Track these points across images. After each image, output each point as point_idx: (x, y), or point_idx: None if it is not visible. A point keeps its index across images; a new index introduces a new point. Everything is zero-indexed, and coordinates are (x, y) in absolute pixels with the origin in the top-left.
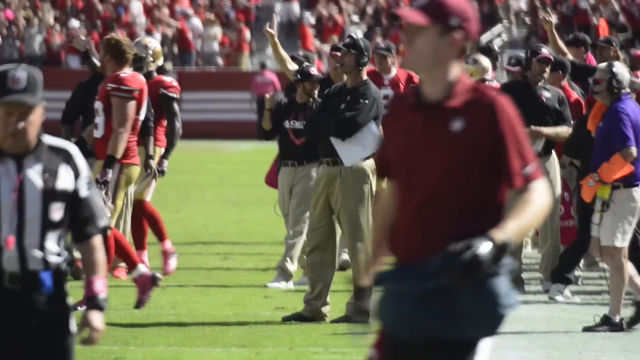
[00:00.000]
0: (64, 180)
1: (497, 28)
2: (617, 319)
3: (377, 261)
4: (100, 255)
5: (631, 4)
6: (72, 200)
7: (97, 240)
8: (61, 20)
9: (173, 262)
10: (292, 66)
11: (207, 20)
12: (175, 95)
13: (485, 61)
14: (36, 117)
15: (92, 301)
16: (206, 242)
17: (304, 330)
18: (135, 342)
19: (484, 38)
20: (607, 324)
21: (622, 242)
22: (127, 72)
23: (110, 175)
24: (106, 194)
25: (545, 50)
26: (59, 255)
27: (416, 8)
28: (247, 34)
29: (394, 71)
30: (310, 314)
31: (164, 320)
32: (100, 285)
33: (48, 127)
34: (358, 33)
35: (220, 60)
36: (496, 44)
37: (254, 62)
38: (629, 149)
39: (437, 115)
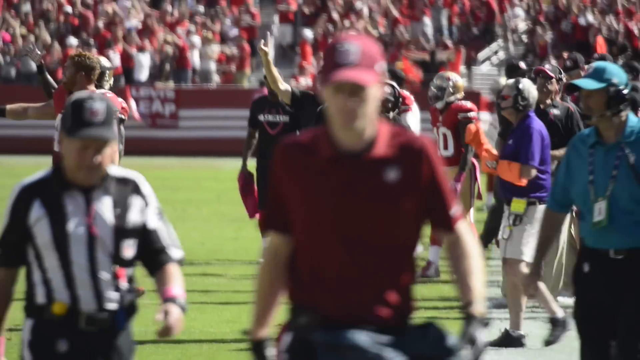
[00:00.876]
0: (135, 214)
1: (494, 45)
2: (515, 334)
3: (268, 317)
4: (178, 275)
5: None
6: (143, 233)
7: (174, 267)
8: (58, 38)
9: None
10: (284, 86)
11: (205, 38)
12: (122, 117)
13: (460, 80)
14: (111, 150)
15: (171, 300)
16: (203, 259)
17: None
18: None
19: (481, 55)
20: (508, 338)
21: (529, 257)
22: (106, 92)
23: None
24: None
25: (548, 66)
26: (129, 292)
27: (355, 66)
28: (249, 51)
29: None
30: None
31: (161, 338)
32: (179, 290)
33: (43, 144)
34: None
35: (217, 78)
36: (493, 62)
37: (251, 80)
38: (530, 169)
39: (366, 166)
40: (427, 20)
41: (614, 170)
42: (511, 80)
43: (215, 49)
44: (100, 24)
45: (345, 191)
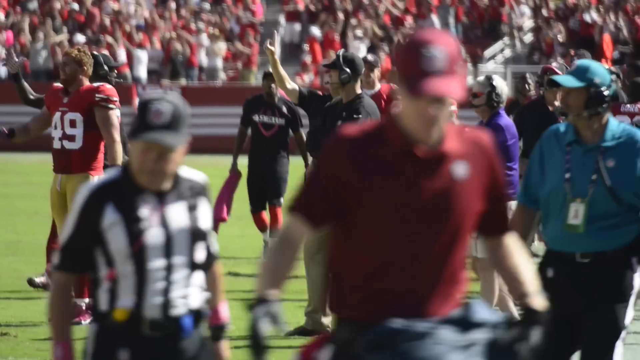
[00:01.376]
0: (205, 216)
1: (500, 44)
2: None
3: (278, 281)
4: (221, 281)
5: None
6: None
7: (217, 267)
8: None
9: None
10: (291, 85)
11: (212, 35)
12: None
13: None
14: (178, 156)
15: (219, 331)
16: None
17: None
18: None
19: (487, 53)
20: None
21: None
22: (105, 84)
23: None
24: None
25: (555, 64)
26: (199, 296)
27: (442, 74)
28: (257, 49)
29: (377, 86)
30: (313, 327)
31: None
32: (225, 311)
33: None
34: (361, 48)
35: (223, 75)
36: (498, 60)
37: (257, 77)
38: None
39: (438, 159)
40: (435, 18)
41: (593, 175)
42: (482, 78)
43: (222, 46)
44: (107, 21)
45: (417, 182)
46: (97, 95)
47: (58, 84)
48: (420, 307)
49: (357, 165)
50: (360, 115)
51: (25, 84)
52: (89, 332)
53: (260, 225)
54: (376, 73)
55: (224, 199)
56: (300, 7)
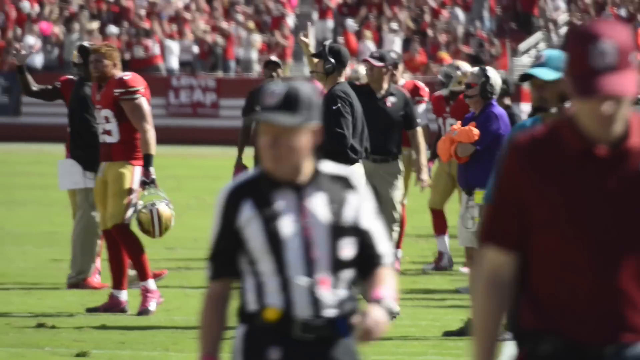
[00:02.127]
0: (350, 211)
1: (535, 37)
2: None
3: (494, 351)
4: (389, 278)
5: None
6: (357, 232)
7: (386, 270)
8: (99, 27)
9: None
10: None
11: (247, 27)
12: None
13: (469, 70)
14: (297, 141)
15: (374, 301)
16: None
17: None
18: (175, 348)
19: (522, 47)
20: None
21: None
22: (127, 74)
23: (153, 172)
24: (157, 189)
25: None
26: (351, 297)
27: (614, 70)
28: (292, 40)
29: (401, 81)
30: None
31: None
32: (387, 291)
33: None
34: (396, 41)
35: (258, 67)
36: (532, 54)
37: (292, 69)
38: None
39: (623, 159)
40: (459, 12)
41: None
42: (476, 69)
43: (257, 38)
44: (142, 11)
45: (601, 187)
46: (116, 90)
47: (71, 76)
48: (610, 326)
49: (537, 174)
50: (338, 105)
51: (29, 76)
52: (237, 333)
53: None
54: (400, 69)
55: None
56: (332, 4)
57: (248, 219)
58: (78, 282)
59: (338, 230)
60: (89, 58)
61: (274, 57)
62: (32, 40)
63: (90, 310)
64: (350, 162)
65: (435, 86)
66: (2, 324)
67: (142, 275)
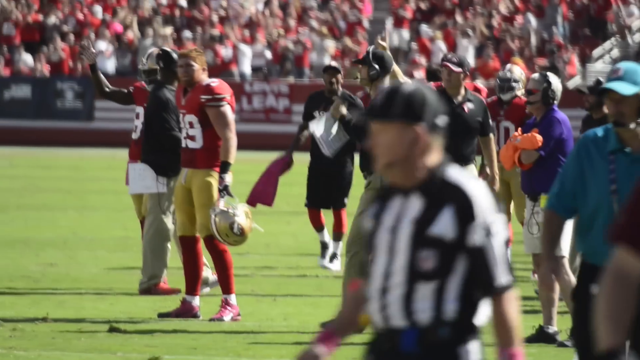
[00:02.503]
0: (443, 223)
1: (608, 43)
2: (551, 330)
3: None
4: (511, 317)
5: None
6: (456, 249)
7: (505, 299)
8: (175, 32)
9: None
10: (404, 79)
11: (320, 33)
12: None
13: (524, 75)
14: (389, 139)
15: None
16: (317, 254)
17: None
18: (247, 354)
19: (596, 53)
20: (542, 335)
21: (566, 251)
22: (214, 80)
23: (228, 179)
24: (231, 196)
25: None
26: (437, 313)
27: None
28: (365, 46)
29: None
30: None
31: (276, 332)
32: (518, 349)
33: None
34: (469, 48)
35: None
36: (606, 60)
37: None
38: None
39: None
40: (531, 18)
41: None
42: (537, 75)
43: (330, 44)
44: (215, 17)
45: None
46: (202, 96)
47: (141, 83)
48: None
49: None
50: None
51: (102, 76)
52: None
53: (316, 223)
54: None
55: (272, 182)
56: (408, 14)
57: (370, 222)
58: (150, 287)
59: (419, 239)
60: (178, 62)
61: (333, 63)
62: (103, 45)
63: (162, 315)
64: None
65: (496, 90)
66: (74, 329)
67: (226, 289)
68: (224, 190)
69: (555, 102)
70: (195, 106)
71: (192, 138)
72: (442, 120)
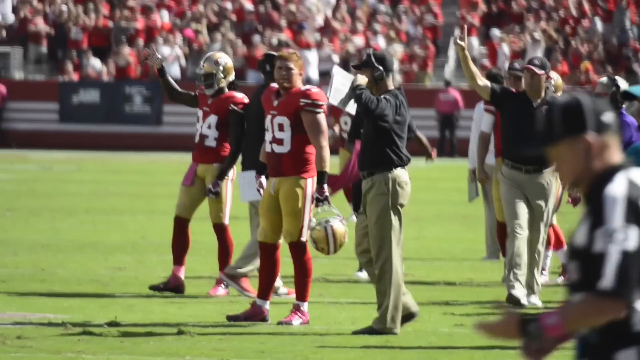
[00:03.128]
0: (581, 233)
1: None
2: None
3: None
4: (579, 303)
5: None
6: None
7: (592, 296)
8: (242, 36)
9: (221, 291)
10: (482, 82)
11: (389, 37)
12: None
13: (560, 80)
14: (564, 159)
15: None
16: None
17: (484, 345)
18: (315, 357)
19: None
20: None
21: None
22: (313, 87)
23: (327, 190)
24: (330, 206)
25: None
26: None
27: None
28: (433, 51)
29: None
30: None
31: (343, 336)
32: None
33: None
34: (537, 51)
35: (399, 77)
36: None
37: (433, 79)
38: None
39: None
40: (598, 21)
41: None
42: (605, 79)
43: (398, 48)
44: (283, 22)
45: None
46: (302, 100)
47: (201, 87)
48: None
49: None
50: (387, 96)
51: (171, 79)
52: (627, 356)
53: None
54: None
55: (349, 178)
56: (475, 21)
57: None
58: (234, 275)
59: (572, 252)
60: (277, 64)
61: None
62: (167, 50)
63: (230, 318)
64: (397, 166)
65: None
66: (143, 333)
67: (302, 296)
68: (325, 200)
69: (624, 105)
70: (290, 109)
71: (279, 142)
72: (608, 116)
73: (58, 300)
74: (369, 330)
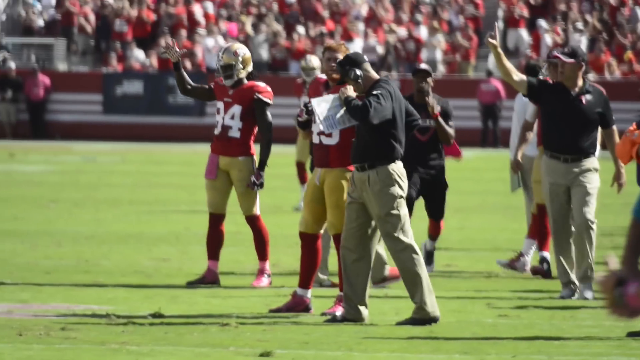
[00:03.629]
0: None
1: None
2: None
3: None
4: None
5: None
6: None
7: None
8: (287, 28)
9: (264, 282)
10: (518, 76)
11: (432, 28)
12: (269, 101)
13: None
14: None
15: None
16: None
17: (528, 336)
18: (359, 348)
19: None
20: None
21: None
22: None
23: None
24: None
25: None
26: None
27: None
28: (476, 42)
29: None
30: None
31: (387, 327)
32: None
33: (275, 132)
34: (582, 41)
35: (442, 68)
36: None
37: (475, 69)
38: None
39: None
40: (639, 10)
41: None
42: None
43: (441, 39)
44: (326, 13)
45: None
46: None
47: (219, 79)
48: None
49: None
50: (379, 90)
51: (184, 74)
52: None
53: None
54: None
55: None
56: (525, 12)
57: None
58: (383, 279)
59: None
60: (325, 55)
61: (424, 65)
62: (211, 42)
63: (273, 311)
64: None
65: None
66: (187, 323)
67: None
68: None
69: None
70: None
71: (327, 134)
72: None
73: (102, 291)
74: (411, 321)
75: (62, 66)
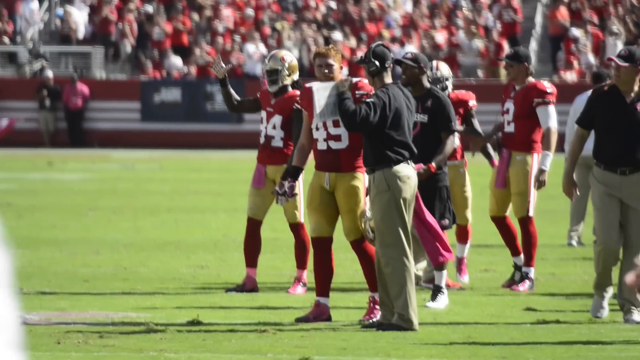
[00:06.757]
0: None
1: None
2: None
3: None
4: None
5: None
6: None
7: None
8: (320, 33)
9: (300, 290)
10: (578, 133)
11: (469, 32)
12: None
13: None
14: None
15: None
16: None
17: (566, 341)
18: (397, 354)
19: None
20: None
21: None
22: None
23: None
24: None
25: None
26: None
27: None
28: (506, 46)
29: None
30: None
31: (425, 332)
32: None
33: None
34: (617, 44)
35: (480, 73)
36: None
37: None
38: None
39: None
40: None
41: None
42: None
43: (479, 43)
44: (364, 15)
45: None
46: (357, 92)
47: (264, 84)
48: None
49: None
50: (373, 99)
51: (231, 90)
52: None
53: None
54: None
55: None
56: (567, 22)
57: None
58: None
59: None
60: (315, 62)
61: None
62: (252, 48)
63: (299, 320)
64: (396, 162)
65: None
66: (225, 330)
67: (374, 288)
68: None
69: None
70: None
71: (335, 138)
72: None
73: (140, 299)
74: (389, 326)
75: (99, 74)
